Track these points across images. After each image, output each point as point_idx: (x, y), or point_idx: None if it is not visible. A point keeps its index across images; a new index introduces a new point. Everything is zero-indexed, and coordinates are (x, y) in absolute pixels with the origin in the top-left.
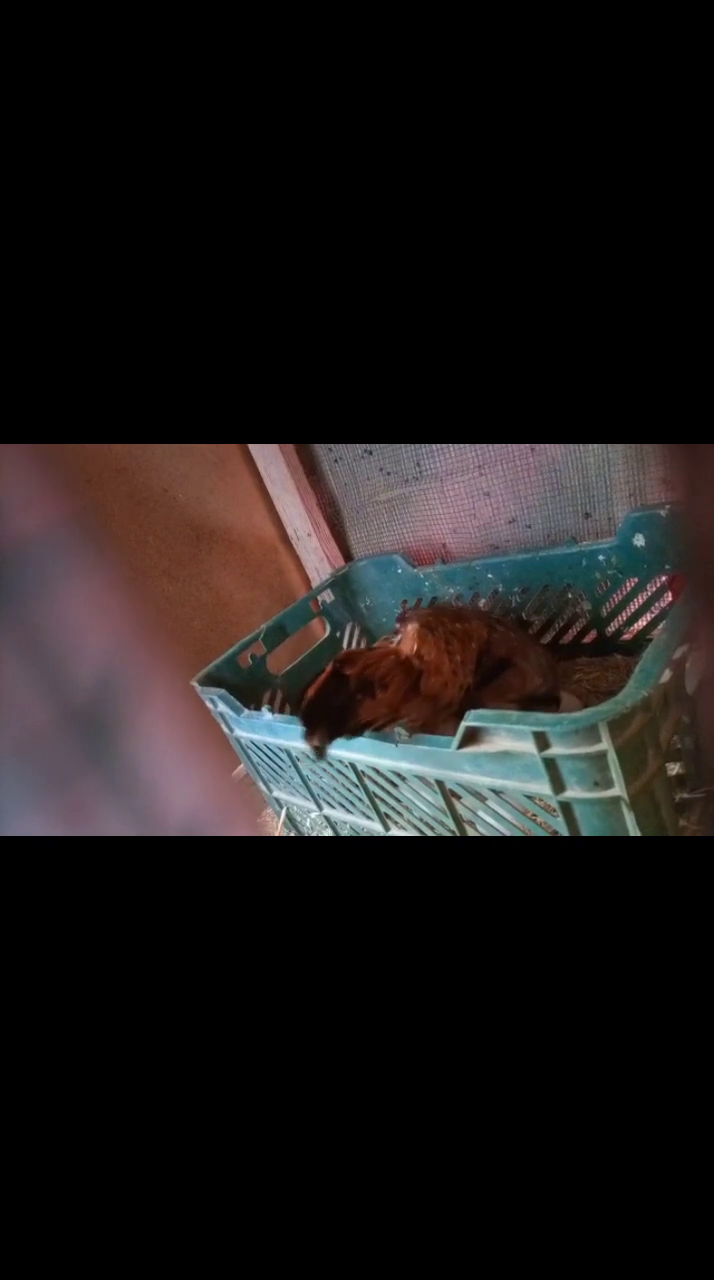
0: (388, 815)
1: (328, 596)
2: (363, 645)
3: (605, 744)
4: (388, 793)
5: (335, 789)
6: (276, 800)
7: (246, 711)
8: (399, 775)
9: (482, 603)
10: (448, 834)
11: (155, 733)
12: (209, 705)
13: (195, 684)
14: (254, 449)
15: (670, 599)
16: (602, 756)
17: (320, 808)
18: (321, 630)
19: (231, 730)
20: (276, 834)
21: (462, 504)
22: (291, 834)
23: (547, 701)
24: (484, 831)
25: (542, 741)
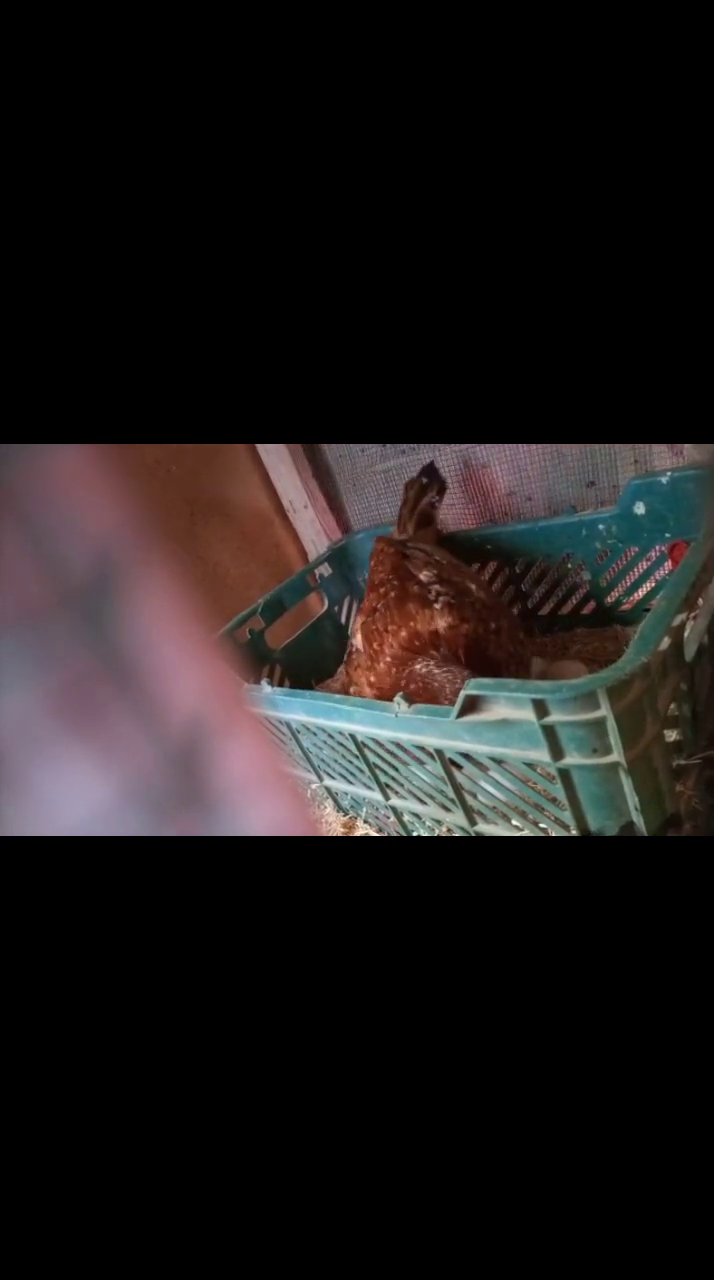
0: (388, 785)
1: (325, 570)
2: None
3: (604, 710)
4: (388, 763)
5: (336, 760)
6: None
7: (246, 686)
8: (399, 746)
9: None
10: (447, 803)
11: (154, 620)
12: None
13: None
14: None
15: (670, 567)
16: (600, 723)
17: (321, 779)
18: (320, 604)
19: None
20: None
21: (459, 474)
22: None
23: None
24: (484, 800)
25: (541, 709)
